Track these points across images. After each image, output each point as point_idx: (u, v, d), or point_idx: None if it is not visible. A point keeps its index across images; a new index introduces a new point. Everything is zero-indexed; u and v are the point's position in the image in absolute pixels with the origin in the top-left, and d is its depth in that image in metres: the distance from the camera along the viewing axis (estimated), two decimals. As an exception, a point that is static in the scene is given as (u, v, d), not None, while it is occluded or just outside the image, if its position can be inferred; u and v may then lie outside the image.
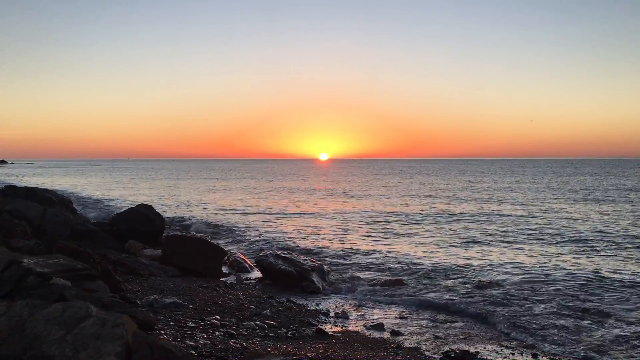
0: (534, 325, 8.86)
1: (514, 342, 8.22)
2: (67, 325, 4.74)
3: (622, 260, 14.26)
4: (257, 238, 18.96)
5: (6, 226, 12.22)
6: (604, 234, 18.98)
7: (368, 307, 10.37)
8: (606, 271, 12.72)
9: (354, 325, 9.08)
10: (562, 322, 9.03)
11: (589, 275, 12.24)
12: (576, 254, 15.39)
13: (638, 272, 12.65)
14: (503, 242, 17.77)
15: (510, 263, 13.98)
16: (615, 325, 8.89)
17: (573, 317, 9.27)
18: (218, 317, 8.63)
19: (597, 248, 16.27)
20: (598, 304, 10.06)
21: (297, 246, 17.09)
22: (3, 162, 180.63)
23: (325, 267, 13.17)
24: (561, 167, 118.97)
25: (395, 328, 8.89)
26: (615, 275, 12.27)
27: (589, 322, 9.03)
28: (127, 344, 4.67)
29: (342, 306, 10.36)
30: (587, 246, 16.63)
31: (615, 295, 10.66)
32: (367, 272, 13.15)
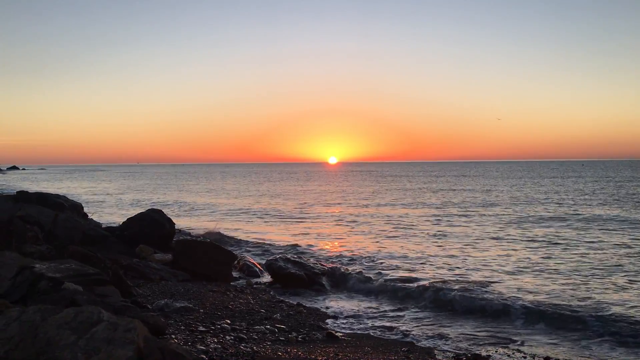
0: (548, 330, 8.78)
1: (526, 346, 8.15)
2: (79, 330, 4.77)
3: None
4: (267, 242, 18.98)
5: (18, 232, 12.35)
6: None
7: (379, 310, 10.33)
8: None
9: (364, 329, 9.05)
10: (573, 325, 8.95)
11: (595, 281, 12.14)
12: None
13: None
14: (514, 244, 17.66)
15: (522, 266, 13.87)
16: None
17: (584, 322, 9.18)
18: (228, 321, 8.64)
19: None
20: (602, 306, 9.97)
21: (307, 250, 17.11)
22: (15, 167, 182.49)
23: (335, 270, 13.15)
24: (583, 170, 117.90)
25: (406, 331, 8.86)
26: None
27: (598, 326, 8.93)
28: (138, 348, 4.68)
29: (352, 309, 10.33)
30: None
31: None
32: (377, 276, 13.08)
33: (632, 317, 9.00)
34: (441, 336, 8.63)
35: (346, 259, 15.37)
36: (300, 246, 17.85)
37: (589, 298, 10.33)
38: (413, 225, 23.13)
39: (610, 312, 9.28)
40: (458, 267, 13.81)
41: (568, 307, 9.66)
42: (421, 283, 12.02)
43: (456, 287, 11.18)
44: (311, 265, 12.93)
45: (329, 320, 9.47)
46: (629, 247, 16.51)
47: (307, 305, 10.54)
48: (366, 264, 14.55)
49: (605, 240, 17.86)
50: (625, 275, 12.35)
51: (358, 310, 10.33)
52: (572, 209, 28.82)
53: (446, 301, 10.53)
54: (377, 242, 18.68)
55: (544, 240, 18.08)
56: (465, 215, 26.73)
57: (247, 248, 17.76)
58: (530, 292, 10.89)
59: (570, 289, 11.09)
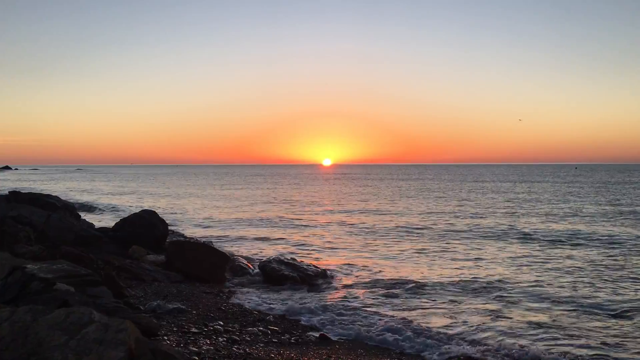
0: (537, 335, 8.81)
1: (516, 350, 8.16)
2: (70, 330, 4.74)
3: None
4: (260, 244, 18.96)
5: (10, 232, 12.26)
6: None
7: (371, 313, 10.32)
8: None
9: (358, 332, 9.02)
10: (562, 330, 8.99)
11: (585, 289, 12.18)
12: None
13: None
14: (504, 257, 17.71)
15: (511, 275, 13.92)
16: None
17: (573, 326, 9.22)
18: (221, 323, 8.62)
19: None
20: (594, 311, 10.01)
21: (301, 252, 17.10)
22: (7, 167, 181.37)
23: (328, 272, 13.14)
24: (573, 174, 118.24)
25: (400, 335, 8.84)
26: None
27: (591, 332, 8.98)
28: (129, 349, 4.66)
29: (346, 312, 10.31)
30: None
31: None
32: (370, 279, 13.08)
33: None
34: (433, 339, 8.63)
35: (340, 261, 15.36)
36: (294, 247, 17.85)
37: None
38: (409, 230, 23.18)
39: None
40: (447, 276, 13.84)
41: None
42: (412, 287, 12.05)
43: (451, 295, 11.14)
44: (304, 267, 12.92)
45: (322, 323, 9.45)
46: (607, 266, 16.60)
47: (300, 307, 10.51)
48: (360, 267, 14.54)
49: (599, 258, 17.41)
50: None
51: (352, 313, 10.31)
52: (562, 220, 28.98)
53: (435, 308, 10.54)
54: (371, 246, 18.68)
55: (534, 257, 18.15)
56: (455, 226, 26.83)
57: (241, 250, 17.71)
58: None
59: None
